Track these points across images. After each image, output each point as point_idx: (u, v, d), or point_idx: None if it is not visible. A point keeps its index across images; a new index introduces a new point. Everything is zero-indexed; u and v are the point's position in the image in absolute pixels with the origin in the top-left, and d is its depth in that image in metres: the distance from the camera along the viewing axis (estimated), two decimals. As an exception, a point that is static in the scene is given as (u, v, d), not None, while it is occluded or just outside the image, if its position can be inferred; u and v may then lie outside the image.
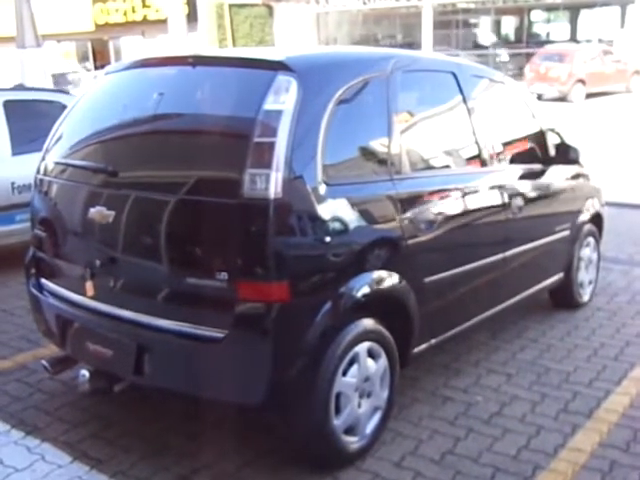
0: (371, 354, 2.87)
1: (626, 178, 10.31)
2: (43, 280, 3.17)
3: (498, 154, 3.71)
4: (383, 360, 2.92)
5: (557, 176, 4.32)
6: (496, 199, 3.57)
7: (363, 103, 2.90)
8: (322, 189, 2.57)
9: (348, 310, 2.69)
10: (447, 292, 3.28)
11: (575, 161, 4.36)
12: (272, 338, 2.46)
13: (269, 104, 2.51)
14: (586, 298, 4.89)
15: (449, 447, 3.02)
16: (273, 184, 2.42)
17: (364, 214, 2.75)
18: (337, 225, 2.62)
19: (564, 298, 4.75)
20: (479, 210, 3.44)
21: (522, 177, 3.92)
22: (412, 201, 2.99)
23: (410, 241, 2.95)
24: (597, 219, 4.90)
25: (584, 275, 4.83)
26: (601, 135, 13.14)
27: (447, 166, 3.40)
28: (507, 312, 4.02)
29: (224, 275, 2.46)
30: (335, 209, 2.62)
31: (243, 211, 2.45)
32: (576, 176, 4.56)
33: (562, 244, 4.41)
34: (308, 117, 2.59)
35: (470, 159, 3.56)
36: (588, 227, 4.75)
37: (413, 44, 27.11)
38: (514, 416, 3.30)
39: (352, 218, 2.69)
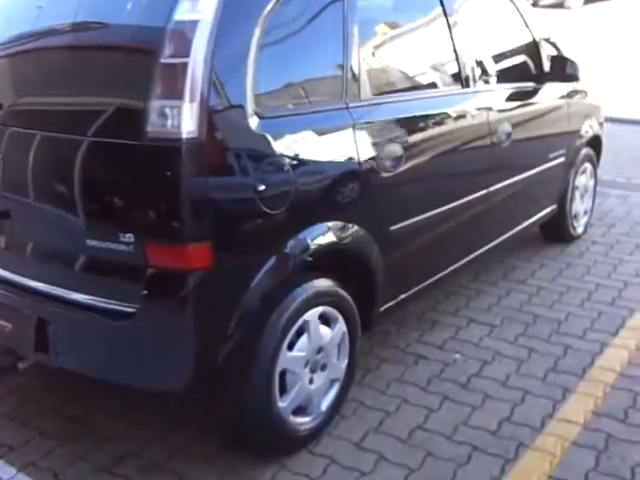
0: (325, 320, 2.40)
1: (628, 92, 9.65)
2: None
3: (483, 72, 3.13)
4: (340, 325, 2.45)
5: (552, 95, 3.75)
6: (479, 126, 3.02)
7: (310, 11, 2.30)
8: (253, 123, 2.02)
9: (292, 272, 2.20)
10: (419, 239, 2.78)
11: (573, 77, 3.77)
12: (193, 312, 1.98)
13: (181, 12, 1.92)
14: (580, 230, 4.42)
15: (419, 421, 2.60)
16: (186, 119, 1.86)
17: (310, 152, 2.21)
18: (274, 168, 2.08)
19: (556, 231, 4.27)
20: (458, 140, 2.90)
21: (511, 98, 3.35)
22: (374, 133, 2.44)
23: (372, 183, 2.43)
24: (595, 142, 4.36)
25: (579, 205, 4.34)
26: (601, 45, 12.34)
27: (419, 88, 2.81)
28: (492, 251, 3.54)
29: (129, 237, 1.95)
30: (271, 148, 2.08)
31: (148, 155, 1.91)
32: (573, 94, 3.98)
33: (556, 172, 3.89)
34: (234, 29, 2.01)
35: (448, 79, 2.98)
36: (585, 152, 4.22)
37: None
38: (496, 378, 2.88)
39: (294, 158, 2.15)
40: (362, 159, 2.37)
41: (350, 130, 2.33)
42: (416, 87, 2.79)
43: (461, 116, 2.92)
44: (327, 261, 2.35)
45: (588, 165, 4.34)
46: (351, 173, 2.35)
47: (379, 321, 2.77)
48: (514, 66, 3.53)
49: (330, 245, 2.31)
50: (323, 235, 2.28)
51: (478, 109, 3.02)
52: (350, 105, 2.35)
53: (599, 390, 2.78)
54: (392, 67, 2.70)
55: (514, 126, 3.25)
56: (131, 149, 1.93)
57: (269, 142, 2.07)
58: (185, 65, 1.88)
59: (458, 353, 3.08)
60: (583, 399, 2.73)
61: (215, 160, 1.95)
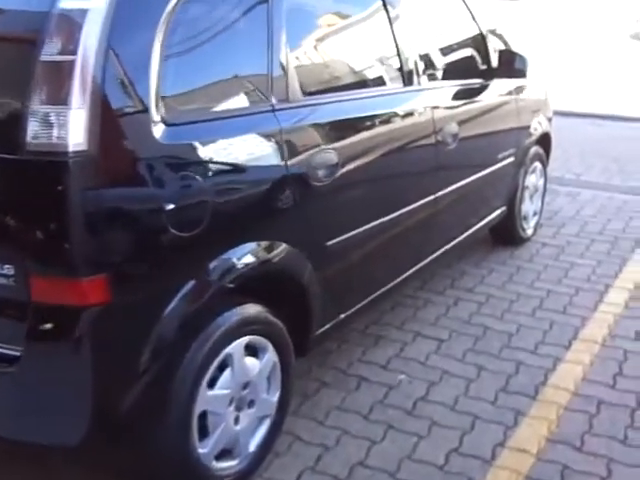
0: (252, 351, 2.12)
1: (575, 84, 9.63)
2: None
3: (427, 68, 2.88)
4: (270, 355, 2.18)
5: (500, 92, 3.54)
6: (423, 127, 2.77)
7: (229, 1, 2.01)
8: (158, 131, 1.72)
9: (211, 300, 1.91)
10: (360, 253, 2.52)
11: (522, 72, 3.57)
12: (89, 354, 1.68)
13: (66, 0, 1.60)
14: (530, 232, 4.25)
15: (361, 456, 2.35)
16: (73, 129, 1.56)
17: (229, 163, 1.93)
18: (185, 184, 1.78)
19: (506, 234, 4.09)
20: (400, 143, 2.64)
21: (458, 96, 3.13)
22: (305, 138, 2.17)
23: (303, 195, 2.15)
24: (545, 140, 4.19)
25: (529, 206, 4.17)
26: (549, 36, 12.33)
27: (357, 87, 2.53)
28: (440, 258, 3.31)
29: (9, 269, 1.64)
30: (180, 160, 1.79)
31: (28, 171, 1.60)
32: (521, 90, 3.78)
33: (505, 173, 3.70)
34: (134, 21, 1.70)
35: (389, 76, 2.72)
36: (534, 150, 4.05)
37: None
38: (444, 402, 2.65)
39: (210, 171, 1.86)
40: (291, 168, 2.09)
41: (277, 136, 2.05)
42: (353, 86, 2.51)
43: (403, 116, 2.67)
44: (253, 285, 2.07)
45: (538, 164, 4.16)
46: (278, 185, 2.07)
47: (316, 345, 2.51)
48: (460, 61, 3.30)
49: (256, 267, 2.04)
50: (247, 257, 2.00)
51: (422, 108, 2.78)
52: (277, 107, 2.07)
53: (552, 413, 2.58)
54: (326, 64, 2.43)
55: (461, 126, 3.02)
56: (7, 164, 1.61)
57: (178, 153, 1.78)
58: (72, 64, 1.56)
59: (403, 373, 2.84)
60: (536, 424, 2.53)
61: (110, 177, 1.64)
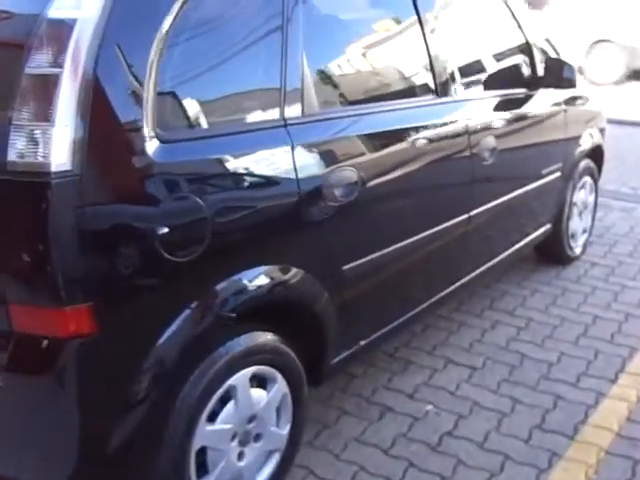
0: (260, 381, 1.98)
1: (630, 91, 9.20)
2: None
3: (463, 78, 2.69)
4: (280, 386, 2.04)
5: (546, 103, 3.31)
6: (457, 141, 2.58)
7: (239, 5, 1.87)
8: (151, 149, 1.60)
9: (211, 329, 1.78)
10: (381, 277, 2.36)
11: (570, 81, 3.33)
12: (73, 388, 1.56)
13: (55, 9, 1.50)
14: (578, 251, 3.99)
15: (378, 498, 2.19)
16: (57, 147, 1.45)
17: (233, 183, 1.79)
18: (181, 206, 1.66)
19: (552, 252, 3.85)
20: (429, 159, 2.45)
21: (498, 107, 2.92)
22: (321, 154, 2.01)
23: (317, 216, 2.00)
24: (596, 153, 3.92)
25: (577, 224, 3.91)
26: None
27: (382, 99, 2.35)
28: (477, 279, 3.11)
29: (-12, 295, 1.54)
30: (177, 180, 1.66)
31: (8, 192, 1.50)
32: (571, 100, 3.54)
33: (551, 189, 3.46)
34: (128, 30, 1.58)
35: (420, 87, 2.55)
36: (585, 164, 3.79)
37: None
38: (472, 438, 2.46)
39: (210, 191, 1.73)
40: (304, 188, 1.94)
41: (288, 152, 1.90)
42: (378, 97, 2.33)
43: (434, 131, 2.48)
44: (261, 312, 1.94)
45: (588, 179, 3.90)
46: (289, 206, 1.92)
47: (333, 374, 2.36)
48: (503, 70, 3.08)
49: (264, 294, 1.90)
50: (254, 283, 1.86)
51: (456, 121, 2.59)
52: (289, 122, 1.93)
53: (592, 456, 2.36)
54: (348, 74, 2.26)
55: (500, 139, 2.82)
56: (-11, 185, 1.51)
57: (175, 172, 1.65)
58: (57, 78, 1.45)
59: (431, 404, 2.66)
60: (573, 468, 2.32)
61: (97, 199, 1.53)
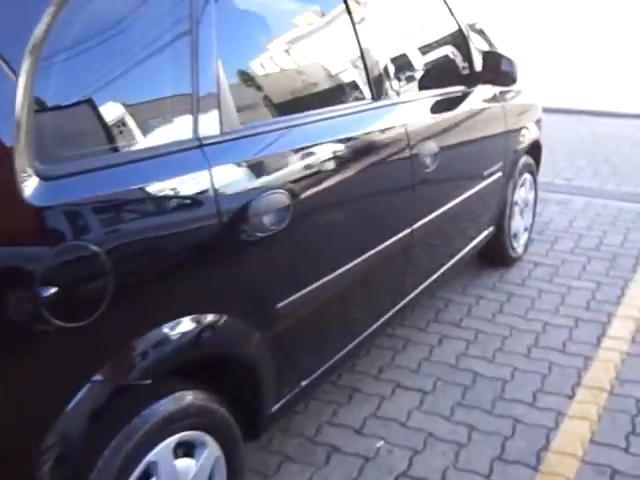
0: (186, 449, 1.68)
1: (562, 78, 9.24)
2: None
3: (400, 77, 2.44)
4: (211, 450, 1.74)
5: (485, 100, 3.10)
6: (395, 149, 2.32)
7: (133, 6, 1.55)
8: (28, 189, 1.26)
9: (115, 403, 1.46)
10: (321, 309, 2.08)
11: (509, 76, 3.13)
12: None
13: None
14: (520, 250, 3.84)
15: None
16: None
17: (136, 222, 1.46)
18: (70, 258, 1.32)
19: (494, 254, 3.68)
20: (368, 172, 2.18)
21: (437, 108, 2.68)
22: (244, 177, 1.71)
23: (242, 251, 1.70)
24: (534, 148, 3.77)
25: (519, 223, 3.75)
26: (536, 26, 11.91)
27: (311, 107, 2.04)
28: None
29: None
30: (64, 225, 1.32)
31: None
32: (506, 94, 3.35)
33: (493, 190, 3.27)
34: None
35: (355, 90, 2.27)
36: (524, 161, 3.63)
37: None
38: (428, 478, 2.22)
39: (107, 237, 1.40)
40: (226, 219, 1.63)
41: (205, 178, 1.59)
42: (308, 106, 2.03)
43: (373, 140, 2.21)
44: (184, 369, 1.63)
45: (528, 176, 3.75)
46: (209, 242, 1.62)
47: (272, 424, 2.07)
48: (439, 67, 2.85)
49: (183, 351, 1.59)
50: (170, 339, 1.54)
51: (395, 127, 2.33)
52: (205, 141, 1.61)
53: (559, 492, 2.17)
54: (273, 81, 1.96)
55: (441, 143, 2.58)
56: None
57: (62, 217, 1.32)
58: None
59: (382, 439, 2.41)
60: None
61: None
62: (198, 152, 1.59)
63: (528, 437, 2.41)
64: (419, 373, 2.80)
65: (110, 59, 1.48)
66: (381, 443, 2.39)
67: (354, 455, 2.33)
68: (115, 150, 1.45)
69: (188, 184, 1.55)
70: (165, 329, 1.53)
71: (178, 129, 1.58)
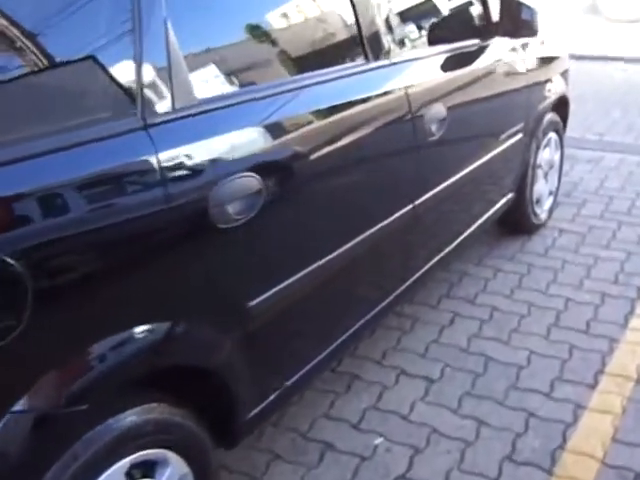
0: (146, 469, 1.49)
1: (597, 22, 8.69)
2: None
3: (400, 32, 2.15)
4: (175, 468, 1.55)
5: (502, 55, 2.78)
6: (397, 116, 2.05)
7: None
8: None
9: (55, 428, 1.27)
10: (304, 301, 1.84)
11: (530, 26, 2.80)
12: None
13: None
14: (544, 217, 3.55)
15: None
16: None
17: (69, 222, 1.22)
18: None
19: (514, 222, 3.39)
20: (359, 145, 1.90)
21: (446, 67, 2.38)
22: (204, 162, 1.46)
23: (204, 247, 1.48)
24: (561, 104, 3.43)
25: (542, 187, 3.45)
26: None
27: (290, 72, 1.78)
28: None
29: None
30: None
31: None
32: (529, 48, 3.01)
33: (512, 154, 2.97)
34: None
35: (344, 50, 1.99)
36: (549, 119, 3.30)
37: None
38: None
39: (25, 241, 1.17)
40: (177, 211, 1.39)
41: (151, 164, 1.34)
42: (283, 71, 1.77)
43: (364, 108, 1.94)
44: (141, 382, 1.43)
45: (553, 135, 3.42)
46: (157, 240, 1.39)
47: (253, 429, 1.87)
48: (449, 19, 2.54)
49: (130, 368, 1.38)
50: (113, 356, 1.33)
51: (393, 91, 2.05)
52: (152, 121, 1.37)
53: (574, 495, 1.95)
54: (240, 45, 1.68)
55: (451, 107, 2.30)
56: None
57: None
58: None
59: (380, 436, 2.21)
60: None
61: None
62: (143, 134, 1.35)
63: (543, 434, 2.18)
64: (426, 358, 2.58)
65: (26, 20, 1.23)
66: (379, 440, 2.19)
67: (349, 454, 2.13)
68: (34, 138, 1.21)
69: (129, 174, 1.32)
70: (107, 343, 1.32)
71: (116, 108, 1.33)
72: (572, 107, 3.65)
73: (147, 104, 1.37)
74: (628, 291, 2.95)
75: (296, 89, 1.72)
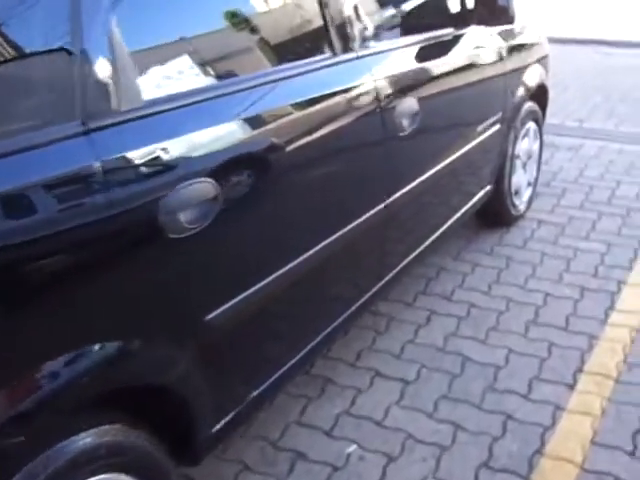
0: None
1: (578, 5, 8.61)
2: None
3: (369, 23, 2.04)
4: (130, 493, 1.46)
5: (478, 43, 2.69)
6: (364, 112, 1.95)
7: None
8: None
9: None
10: (268, 311, 1.75)
11: (506, 13, 2.70)
12: None
13: None
14: (523, 208, 3.48)
15: None
16: None
17: (7, 238, 1.13)
18: None
19: (493, 214, 3.32)
20: (325, 145, 1.81)
21: (418, 59, 2.28)
22: (153, 168, 1.36)
23: (155, 259, 1.38)
24: (540, 93, 3.35)
25: (521, 178, 3.38)
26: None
27: (249, 68, 1.66)
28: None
29: None
30: None
31: None
32: (507, 35, 2.92)
33: (490, 146, 2.89)
34: None
35: (308, 43, 1.88)
36: (527, 108, 3.22)
37: None
38: (404, 491, 1.96)
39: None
40: (120, 223, 1.29)
41: (93, 171, 1.24)
42: (242, 67, 1.65)
43: (329, 103, 1.83)
44: (95, 403, 1.34)
45: (532, 125, 3.35)
46: (99, 254, 1.28)
47: (216, 444, 1.79)
48: (423, 7, 2.43)
49: (72, 393, 1.28)
50: (52, 382, 1.24)
51: (360, 85, 1.95)
52: (94, 125, 1.26)
53: (553, 504, 1.89)
54: (195, 39, 1.58)
55: (424, 100, 2.20)
56: None
57: None
58: None
59: (354, 443, 2.13)
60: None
61: None
62: (82, 140, 1.24)
63: (520, 437, 2.12)
64: (402, 359, 2.50)
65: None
66: (352, 447, 2.12)
67: (321, 463, 2.06)
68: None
69: (67, 183, 1.21)
70: (54, 364, 1.22)
71: (55, 115, 1.22)
72: (552, 93, 3.58)
73: (88, 107, 1.26)
74: (608, 284, 2.90)
75: (256, 86, 1.61)
